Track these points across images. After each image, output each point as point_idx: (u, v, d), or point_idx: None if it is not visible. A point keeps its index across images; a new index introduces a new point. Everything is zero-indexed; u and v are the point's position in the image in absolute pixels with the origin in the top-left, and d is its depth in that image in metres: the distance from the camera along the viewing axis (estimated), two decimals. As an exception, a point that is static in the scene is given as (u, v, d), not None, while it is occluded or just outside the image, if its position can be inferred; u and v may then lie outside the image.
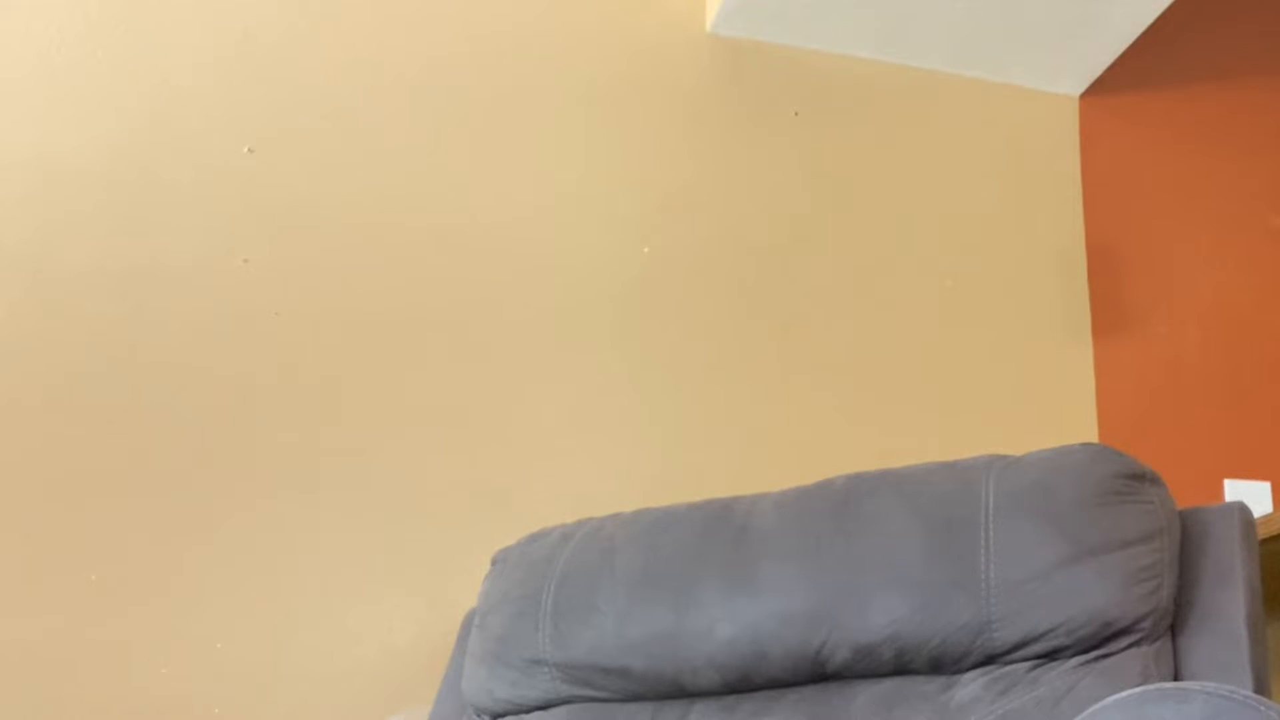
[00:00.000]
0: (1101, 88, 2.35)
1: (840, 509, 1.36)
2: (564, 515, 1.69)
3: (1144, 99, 2.38)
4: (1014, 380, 2.21)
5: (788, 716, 1.32)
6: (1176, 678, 1.23)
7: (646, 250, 2.09)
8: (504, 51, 2.09)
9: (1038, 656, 1.25)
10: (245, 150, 1.93)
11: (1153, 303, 2.28)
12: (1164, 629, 1.25)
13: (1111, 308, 2.27)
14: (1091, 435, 2.21)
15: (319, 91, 1.99)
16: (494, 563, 1.60)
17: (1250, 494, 2.11)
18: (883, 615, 1.29)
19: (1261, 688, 1.19)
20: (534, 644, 1.45)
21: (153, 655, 1.73)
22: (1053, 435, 2.05)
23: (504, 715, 1.50)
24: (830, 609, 1.31)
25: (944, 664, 1.29)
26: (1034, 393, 2.21)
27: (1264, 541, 1.54)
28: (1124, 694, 0.88)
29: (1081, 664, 1.22)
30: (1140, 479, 1.30)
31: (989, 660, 1.27)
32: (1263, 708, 0.81)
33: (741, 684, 1.37)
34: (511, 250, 2.02)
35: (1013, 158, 2.32)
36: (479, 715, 1.53)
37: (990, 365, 2.20)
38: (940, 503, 1.31)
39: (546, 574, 1.48)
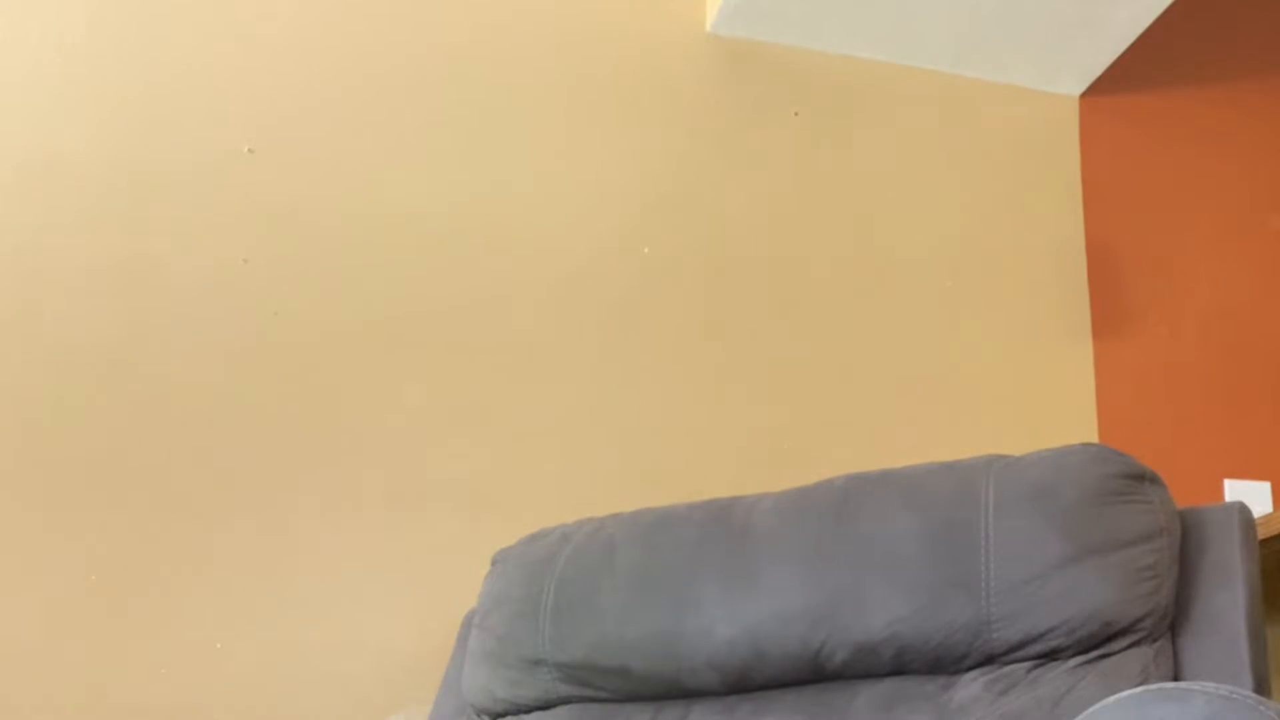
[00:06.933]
0: (1101, 88, 2.35)
1: (840, 509, 1.36)
2: (564, 515, 1.69)
3: (1144, 99, 2.38)
4: (1014, 380, 2.21)
5: (787, 716, 1.32)
6: (1176, 678, 1.23)
7: (646, 250, 2.09)
8: (504, 51, 2.09)
9: (1038, 656, 1.24)
10: (245, 150, 1.93)
11: (1153, 303, 2.28)
12: (1164, 629, 1.25)
13: (1111, 308, 2.27)
14: (1091, 435, 2.21)
15: (319, 91, 1.99)
16: (494, 563, 1.60)
17: (1250, 494, 2.11)
18: (883, 615, 1.29)
19: (1261, 688, 1.19)
20: (534, 644, 1.45)
21: (153, 655, 1.73)
22: (1053, 435, 2.04)
23: (504, 715, 1.50)
24: (830, 609, 1.31)
25: (944, 664, 1.28)
26: (1034, 393, 2.21)
27: (1264, 541, 1.54)
28: (1124, 694, 0.88)
29: (1081, 664, 1.22)
30: (1140, 479, 1.30)
31: (989, 660, 1.27)
32: (1263, 708, 0.81)
33: (741, 684, 1.37)
34: (511, 250, 2.02)
35: (1013, 158, 2.32)
36: (479, 715, 1.53)
37: (990, 365, 2.20)
38: (940, 503, 1.31)
39: (546, 574, 1.48)
